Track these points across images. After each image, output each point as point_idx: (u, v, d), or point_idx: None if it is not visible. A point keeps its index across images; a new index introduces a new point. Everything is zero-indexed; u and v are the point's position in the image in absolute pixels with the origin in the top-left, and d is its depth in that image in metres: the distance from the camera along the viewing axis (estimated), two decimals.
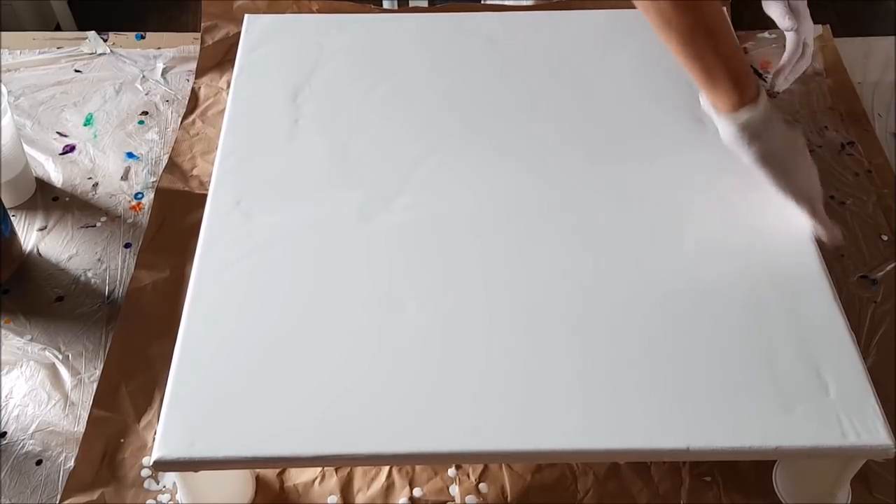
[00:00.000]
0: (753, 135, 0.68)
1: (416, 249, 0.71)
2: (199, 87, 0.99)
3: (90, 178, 0.91)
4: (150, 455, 0.61)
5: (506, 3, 1.12)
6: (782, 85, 0.97)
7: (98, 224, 0.87)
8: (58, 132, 0.96)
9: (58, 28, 1.93)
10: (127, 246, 0.85)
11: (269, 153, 0.79)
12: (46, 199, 0.89)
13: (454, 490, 0.67)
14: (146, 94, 1.00)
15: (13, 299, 0.80)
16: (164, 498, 0.67)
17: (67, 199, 0.89)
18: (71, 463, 0.69)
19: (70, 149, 0.94)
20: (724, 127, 0.70)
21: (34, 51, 1.04)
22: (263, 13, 0.98)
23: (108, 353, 0.75)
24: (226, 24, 1.04)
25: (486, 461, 0.68)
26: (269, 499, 0.67)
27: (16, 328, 0.78)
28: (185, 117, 0.96)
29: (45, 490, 0.68)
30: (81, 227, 0.86)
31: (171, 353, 0.63)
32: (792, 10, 0.92)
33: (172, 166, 0.90)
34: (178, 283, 0.79)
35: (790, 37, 0.94)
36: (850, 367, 0.63)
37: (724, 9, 0.95)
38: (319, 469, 0.68)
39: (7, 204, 0.84)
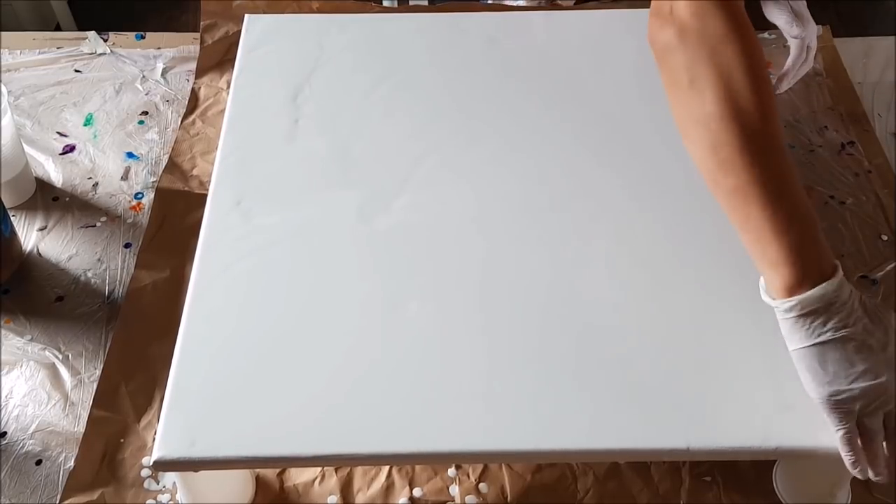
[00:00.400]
0: (812, 320, 0.54)
1: (416, 249, 0.71)
2: (199, 87, 0.99)
3: (90, 178, 0.91)
4: (150, 455, 0.61)
5: (504, 2, 1.12)
6: (784, 87, 0.98)
7: (98, 224, 0.87)
8: (58, 132, 0.96)
9: (58, 28, 1.93)
10: (127, 246, 0.85)
11: (269, 153, 0.79)
12: (46, 199, 0.89)
13: (454, 490, 0.67)
14: (146, 94, 1.00)
15: (13, 299, 0.80)
16: (164, 498, 0.67)
17: (67, 199, 0.89)
18: (71, 463, 0.69)
19: (70, 149, 0.94)
20: (778, 316, 0.56)
21: (34, 51, 1.04)
22: (263, 13, 0.98)
23: (108, 353, 0.75)
24: (225, 24, 1.04)
25: (486, 461, 0.68)
26: (269, 499, 0.67)
27: (16, 328, 0.78)
28: (185, 117, 0.96)
29: (45, 490, 0.68)
30: (81, 227, 0.86)
31: (171, 354, 0.63)
32: (796, 15, 0.92)
33: (172, 166, 0.90)
34: (178, 283, 0.79)
35: (795, 42, 0.95)
36: None
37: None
38: (319, 469, 0.68)
39: (7, 204, 0.84)
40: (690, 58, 0.57)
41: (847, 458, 0.56)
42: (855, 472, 0.56)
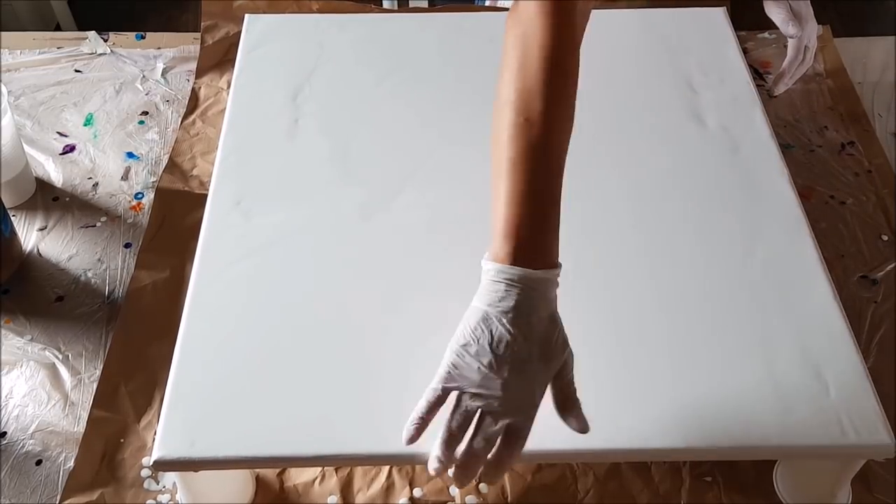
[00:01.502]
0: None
1: (417, 249, 0.71)
2: (200, 87, 0.99)
3: (90, 178, 0.91)
4: (150, 455, 0.61)
5: (498, 3, 1.12)
6: (782, 88, 0.98)
7: (98, 224, 0.87)
8: (58, 132, 0.96)
9: (58, 28, 1.93)
10: (127, 246, 0.85)
11: (269, 153, 0.79)
12: (46, 199, 0.89)
13: (454, 490, 0.67)
14: (146, 94, 1.00)
15: (13, 299, 0.80)
16: (163, 498, 0.67)
17: (67, 199, 0.89)
18: (71, 463, 0.69)
19: (70, 149, 0.94)
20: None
21: (34, 51, 1.04)
22: (263, 13, 0.98)
23: (108, 353, 0.75)
24: (226, 24, 1.04)
25: None
26: (269, 499, 0.67)
27: (16, 328, 0.78)
28: (185, 117, 0.96)
29: (44, 490, 0.68)
30: (81, 227, 0.86)
31: (171, 354, 0.64)
32: (795, 15, 0.92)
33: (172, 166, 0.90)
34: (178, 284, 0.79)
35: (792, 42, 0.95)
36: (851, 367, 0.63)
37: (724, 11, 0.95)
38: (319, 469, 0.68)
39: (7, 204, 0.84)
40: (508, 42, 0.60)
41: (414, 413, 0.56)
42: (406, 434, 0.55)
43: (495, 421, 0.54)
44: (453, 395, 0.55)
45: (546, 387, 0.56)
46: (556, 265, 0.57)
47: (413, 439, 0.55)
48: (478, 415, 0.55)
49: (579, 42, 0.61)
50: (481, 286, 0.57)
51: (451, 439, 0.55)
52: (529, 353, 0.55)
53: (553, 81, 0.58)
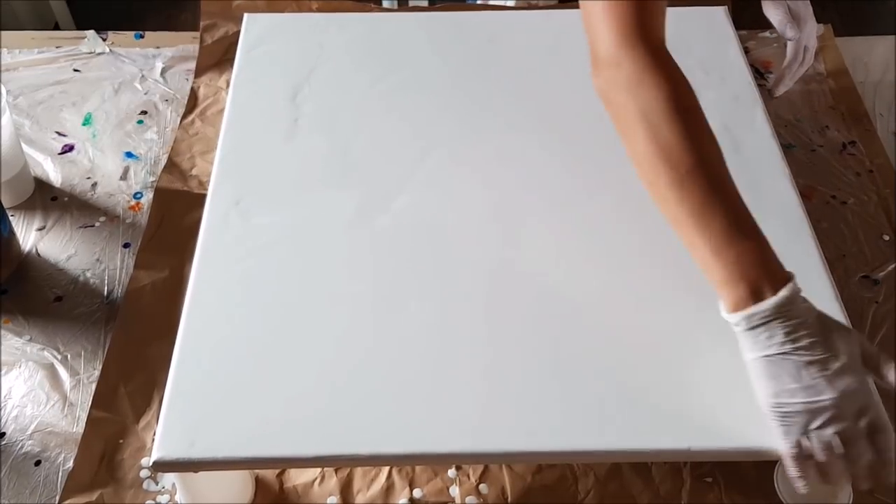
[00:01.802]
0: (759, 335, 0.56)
1: (416, 249, 0.71)
2: (199, 87, 0.99)
3: (89, 177, 0.91)
4: (150, 456, 0.60)
5: (490, 1, 1.12)
6: (782, 89, 0.97)
7: (97, 224, 0.86)
8: (56, 132, 0.95)
9: (56, 27, 1.93)
10: (126, 246, 0.84)
11: (268, 153, 0.79)
12: (45, 198, 0.89)
13: (454, 491, 0.67)
14: (145, 94, 1.00)
15: (12, 299, 0.80)
16: (163, 499, 0.67)
17: (66, 198, 0.89)
18: (70, 464, 0.68)
19: (69, 148, 0.94)
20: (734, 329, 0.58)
21: (33, 50, 1.04)
22: (263, 12, 0.98)
23: (107, 353, 0.75)
24: (225, 24, 1.03)
25: (487, 462, 0.68)
26: (268, 499, 0.67)
27: (14, 328, 0.78)
28: (184, 117, 0.95)
29: (44, 491, 0.68)
30: (80, 227, 0.86)
31: (171, 354, 0.63)
32: (793, 15, 0.92)
33: (171, 166, 0.90)
34: (178, 284, 0.79)
35: (790, 45, 0.94)
36: None
37: (725, 10, 0.95)
38: (319, 469, 0.68)
39: (6, 204, 0.84)
40: (618, 103, 0.61)
41: (791, 471, 0.57)
42: (798, 486, 0.57)
43: (855, 435, 0.55)
44: (808, 440, 0.56)
45: (863, 369, 0.57)
46: (789, 277, 0.57)
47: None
48: (835, 439, 0.55)
49: (670, 58, 0.61)
50: (743, 340, 0.58)
51: (827, 467, 0.56)
52: (828, 358, 0.55)
53: (687, 127, 0.59)
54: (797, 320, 0.56)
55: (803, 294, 0.58)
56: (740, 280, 0.56)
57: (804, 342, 0.55)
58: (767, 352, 0.56)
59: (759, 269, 0.57)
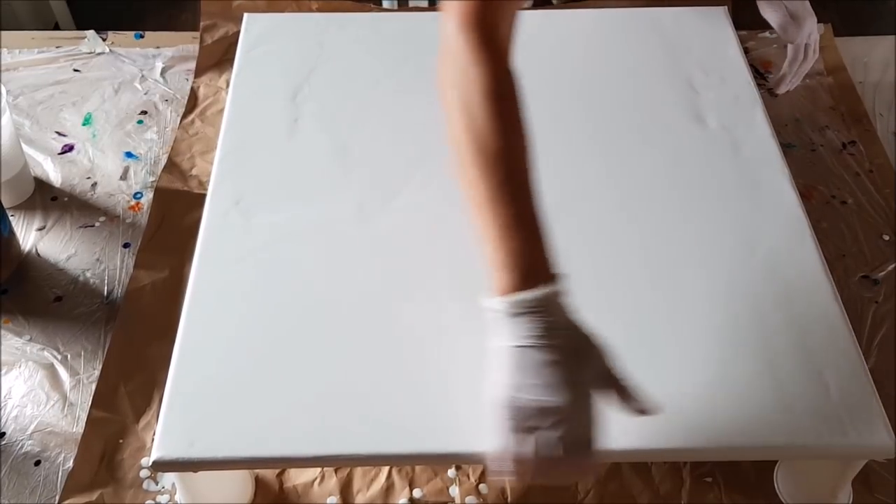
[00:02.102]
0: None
1: (416, 249, 0.71)
2: (199, 87, 0.99)
3: (89, 177, 0.91)
4: (150, 455, 0.60)
5: None
6: (784, 88, 0.97)
7: (97, 224, 0.86)
8: (56, 132, 0.95)
9: (56, 27, 1.93)
10: (126, 246, 0.84)
11: (268, 153, 0.79)
12: (45, 198, 0.89)
13: (454, 491, 0.67)
14: (145, 94, 1.00)
15: (12, 299, 0.80)
16: (163, 499, 0.67)
17: (66, 198, 0.89)
18: (70, 463, 0.68)
19: (69, 148, 0.94)
20: (490, 315, 0.58)
21: (33, 50, 1.04)
22: (263, 12, 0.98)
23: (107, 353, 0.75)
24: (225, 24, 1.03)
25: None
26: (268, 499, 0.67)
27: (14, 328, 0.78)
28: (184, 117, 0.95)
29: (43, 490, 0.68)
30: (80, 226, 0.86)
31: (170, 354, 0.63)
32: (792, 16, 0.92)
33: (171, 166, 0.90)
34: (178, 284, 0.79)
35: (790, 46, 0.94)
36: (852, 368, 0.63)
37: (725, 10, 0.95)
38: (319, 469, 0.68)
39: (6, 204, 0.84)
40: (445, 92, 0.62)
41: (496, 465, 0.55)
42: (492, 482, 0.56)
43: (574, 443, 0.54)
44: (523, 435, 0.54)
45: (589, 389, 0.55)
46: (558, 278, 0.57)
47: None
48: (559, 444, 0.54)
49: (510, 53, 0.62)
50: (495, 323, 0.57)
51: (533, 468, 0.55)
52: (574, 363, 0.55)
53: (499, 114, 0.59)
54: (558, 318, 0.56)
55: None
56: (516, 267, 0.57)
57: (557, 341, 0.55)
58: (522, 342, 0.55)
59: (536, 263, 0.57)
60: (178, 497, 0.66)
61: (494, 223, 0.58)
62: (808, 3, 0.93)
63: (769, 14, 0.93)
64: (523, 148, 0.60)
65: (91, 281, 0.81)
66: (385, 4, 1.45)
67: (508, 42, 0.63)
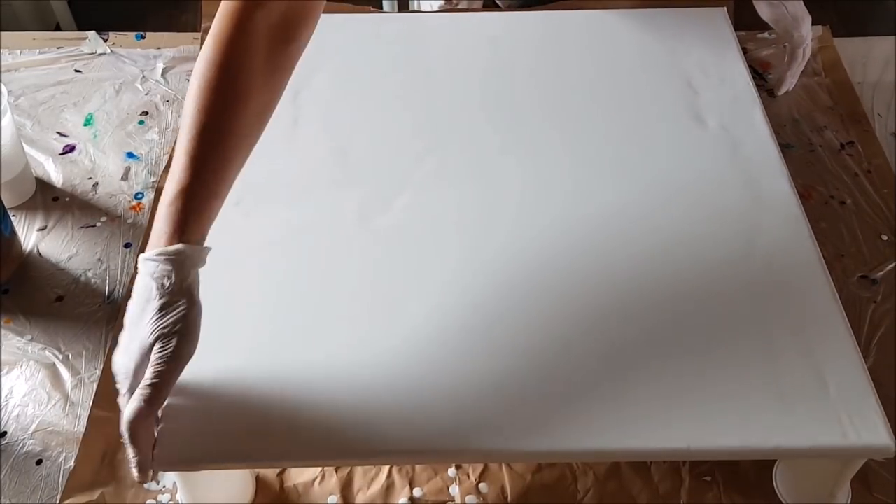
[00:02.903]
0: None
1: (416, 249, 0.71)
2: None
3: (90, 178, 0.91)
4: None
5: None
6: (784, 88, 0.98)
7: (98, 224, 0.87)
8: (58, 132, 0.96)
9: (58, 28, 1.93)
10: (127, 246, 0.85)
11: (268, 153, 0.78)
12: (46, 199, 0.89)
13: (454, 490, 0.67)
14: (146, 94, 1.00)
15: (13, 299, 0.80)
16: (164, 498, 0.67)
17: (67, 199, 0.89)
18: (71, 463, 0.69)
19: (70, 149, 0.94)
20: None
21: (34, 51, 1.04)
22: None
23: (108, 352, 0.75)
24: None
25: (487, 461, 0.68)
26: (269, 499, 0.67)
27: (16, 328, 0.78)
28: None
29: (45, 490, 0.68)
30: (81, 227, 0.86)
31: None
32: (792, 16, 0.92)
33: None
34: None
35: (791, 45, 0.94)
36: (851, 367, 0.63)
37: (724, 11, 0.95)
38: (319, 469, 0.68)
39: (7, 204, 0.84)
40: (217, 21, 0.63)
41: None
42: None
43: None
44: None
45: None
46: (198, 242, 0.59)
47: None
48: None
49: (263, 47, 0.63)
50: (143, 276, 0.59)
51: None
52: (165, 309, 0.56)
53: (229, 92, 0.61)
54: (177, 278, 0.57)
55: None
56: (176, 229, 0.59)
57: (161, 295, 0.56)
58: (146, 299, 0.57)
59: (192, 225, 0.59)
60: (178, 496, 0.66)
61: (180, 184, 0.59)
62: (801, 3, 0.93)
63: (768, 14, 0.93)
64: (229, 121, 0.61)
65: (92, 281, 0.82)
66: (385, 6, 1.45)
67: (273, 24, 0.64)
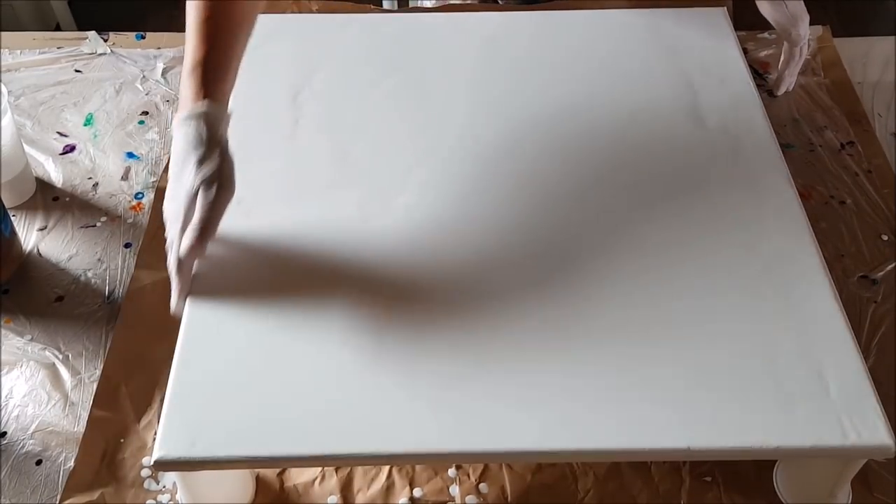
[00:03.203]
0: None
1: (416, 249, 0.71)
2: None
3: (90, 178, 0.91)
4: (151, 455, 0.61)
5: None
6: (783, 88, 0.98)
7: (98, 224, 0.87)
8: (58, 132, 0.96)
9: (58, 28, 1.93)
10: (127, 246, 0.85)
11: (269, 153, 0.79)
12: (46, 198, 0.89)
13: (454, 490, 0.67)
14: (146, 94, 1.00)
15: (13, 299, 0.80)
16: (164, 498, 0.67)
17: (67, 199, 0.89)
18: (71, 463, 0.69)
19: (70, 149, 0.94)
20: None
21: (34, 51, 1.04)
22: (263, 13, 0.98)
23: (108, 353, 0.75)
24: None
25: (487, 461, 0.68)
26: (269, 499, 0.67)
27: (16, 328, 0.78)
28: None
29: (44, 490, 0.68)
30: (81, 227, 0.86)
31: (172, 353, 0.63)
32: (792, 15, 0.92)
33: None
34: None
35: (788, 44, 0.95)
36: (851, 367, 0.63)
37: (724, 11, 0.95)
38: (319, 469, 0.68)
39: (7, 204, 0.84)
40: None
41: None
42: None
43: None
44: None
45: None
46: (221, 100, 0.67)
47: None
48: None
49: None
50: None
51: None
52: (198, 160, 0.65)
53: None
54: (211, 128, 0.65)
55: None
56: (199, 90, 0.66)
57: (198, 147, 0.64)
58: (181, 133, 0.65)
59: (213, 86, 0.67)
60: (178, 496, 0.66)
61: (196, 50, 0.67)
62: (801, 2, 0.93)
63: (769, 12, 0.93)
64: (233, 22, 0.69)
65: (92, 281, 0.82)
66: (385, 5, 1.45)
67: None
